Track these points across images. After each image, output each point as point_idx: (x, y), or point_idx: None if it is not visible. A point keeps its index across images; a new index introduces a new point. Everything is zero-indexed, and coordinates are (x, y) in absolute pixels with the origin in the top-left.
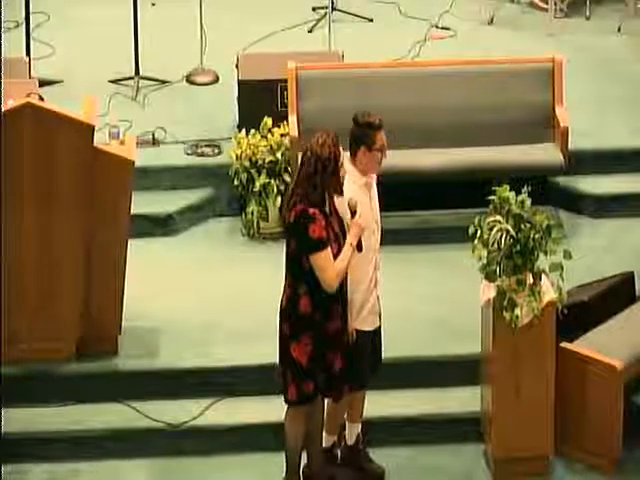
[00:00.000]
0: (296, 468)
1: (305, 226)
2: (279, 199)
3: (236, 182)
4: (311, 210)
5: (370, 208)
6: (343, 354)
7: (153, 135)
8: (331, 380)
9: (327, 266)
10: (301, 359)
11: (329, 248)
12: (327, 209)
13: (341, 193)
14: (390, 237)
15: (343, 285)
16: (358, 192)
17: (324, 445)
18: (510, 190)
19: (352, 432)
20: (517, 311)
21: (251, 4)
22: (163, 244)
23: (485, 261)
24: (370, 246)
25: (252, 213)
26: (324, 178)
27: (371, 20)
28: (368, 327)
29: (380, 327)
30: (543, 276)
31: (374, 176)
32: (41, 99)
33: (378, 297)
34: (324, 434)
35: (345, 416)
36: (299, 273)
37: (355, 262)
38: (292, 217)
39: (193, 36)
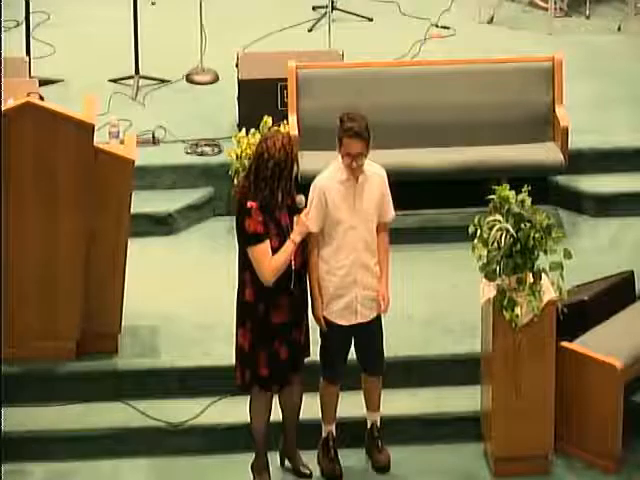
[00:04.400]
0: (261, 452)
1: (242, 219)
2: None
3: (236, 181)
4: (249, 204)
5: (352, 206)
6: (290, 346)
7: (153, 134)
8: (276, 371)
9: (262, 260)
10: (244, 345)
11: (266, 242)
12: (275, 202)
13: (292, 193)
14: (390, 236)
15: (297, 279)
16: (332, 186)
17: (323, 435)
18: (510, 189)
19: (370, 419)
20: (517, 310)
21: (251, 4)
22: (163, 243)
23: (485, 260)
24: (346, 243)
25: None
26: (280, 180)
27: (371, 19)
28: (341, 322)
29: (367, 326)
30: (543, 275)
31: (373, 175)
32: (41, 98)
33: (361, 297)
34: (323, 425)
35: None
36: (244, 263)
37: (328, 254)
38: (236, 209)
39: (193, 35)
